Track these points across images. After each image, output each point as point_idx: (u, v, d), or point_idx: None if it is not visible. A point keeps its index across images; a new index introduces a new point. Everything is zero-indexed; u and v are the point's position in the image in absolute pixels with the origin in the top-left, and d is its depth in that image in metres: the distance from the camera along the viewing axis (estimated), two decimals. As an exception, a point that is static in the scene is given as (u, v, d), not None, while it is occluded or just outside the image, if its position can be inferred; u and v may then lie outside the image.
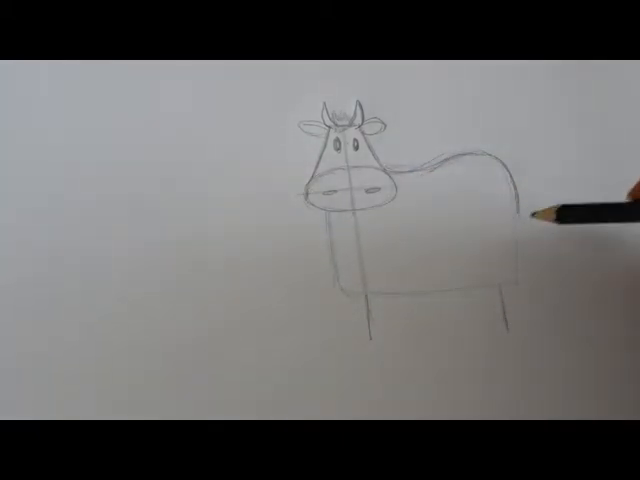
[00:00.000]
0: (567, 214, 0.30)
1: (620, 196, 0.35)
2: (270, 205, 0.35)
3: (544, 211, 0.31)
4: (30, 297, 0.34)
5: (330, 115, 0.35)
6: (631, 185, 0.34)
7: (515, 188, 0.35)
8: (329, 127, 0.35)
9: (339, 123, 0.35)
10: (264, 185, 0.35)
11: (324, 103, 0.35)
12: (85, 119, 0.35)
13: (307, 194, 0.35)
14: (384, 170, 0.35)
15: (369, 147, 0.35)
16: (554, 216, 0.30)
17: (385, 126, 0.35)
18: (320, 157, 0.35)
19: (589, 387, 0.33)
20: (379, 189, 0.35)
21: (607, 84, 0.36)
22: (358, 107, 0.35)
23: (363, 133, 0.35)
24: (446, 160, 0.35)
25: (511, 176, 0.35)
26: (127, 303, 0.34)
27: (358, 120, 0.35)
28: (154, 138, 0.35)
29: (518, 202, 0.35)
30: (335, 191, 0.35)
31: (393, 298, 0.34)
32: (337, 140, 0.35)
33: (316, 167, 0.35)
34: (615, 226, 0.35)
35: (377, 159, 0.35)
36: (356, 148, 0.35)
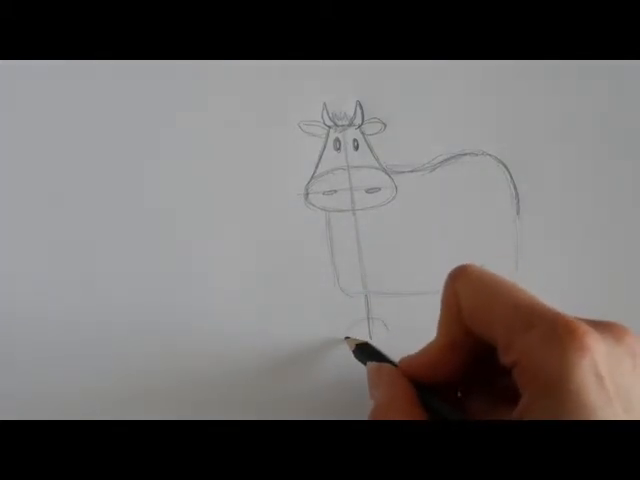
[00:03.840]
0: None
1: (619, 196, 0.35)
2: (270, 205, 0.35)
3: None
4: (29, 295, 0.34)
5: (330, 115, 0.35)
6: (630, 185, 0.34)
7: (515, 188, 0.35)
8: (329, 127, 0.35)
9: (339, 123, 0.35)
10: (264, 185, 0.35)
11: (324, 103, 0.35)
12: (85, 119, 0.35)
13: (307, 194, 0.35)
14: (384, 170, 0.35)
15: (369, 147, 0.35)
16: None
17: (385, 126, 0.35)
18: (320, 157, 0.35)
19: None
20: (379, 189, 0.35)
21: (607, 84, 0.36)
22: (358, 107, 0.35)
23: (363, 133, 0.35)
24: (446, 160, 0.35)
25: (511, 176, 0.35)
26: (127, 297, 0.34)
27: (358, 120, 0.35)
28: (153, 138, 0.35)
29: (518, 202, 0.35)
30: (335, 191, 0.35)
31: (393, 298, 0.34)
32: (337, 140, 0.35)
33: (316, 167, 0.35)
34: (613, 227, 0.35)
35: (377, 159, 0.35)
36: (356, 148, 0.35)
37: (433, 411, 0.25)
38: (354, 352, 0.32)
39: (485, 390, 0.26)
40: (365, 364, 0.30)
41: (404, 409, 0.25)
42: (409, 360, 0.27)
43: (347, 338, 0.33)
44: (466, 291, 0.25)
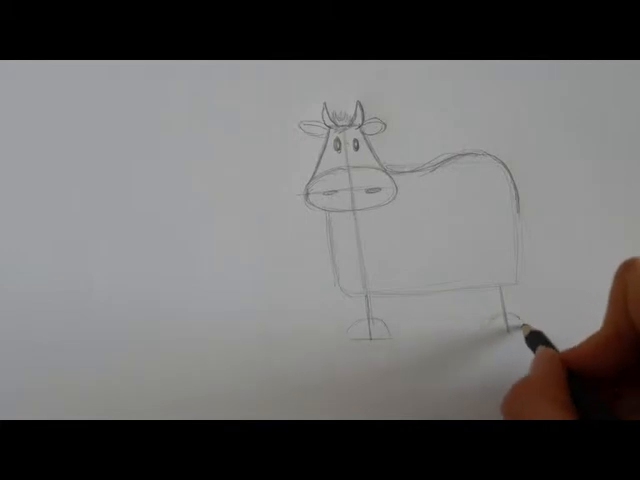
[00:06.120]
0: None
1: (617, 193, 0.35)
2: (270, 205, 0.35)
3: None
4: (29, 294, 0.34)
5: (330, 115, 0.35)
6: (630, 184, 0.34)
7: (515, 188, 0.35)
8: (329, 127, 0.35)
9: (339, 123, 0.35)
10: (264, 185, 0.35)
11: (324, 103, 0.35)
12: (85, 119, 0.35)
13: (307, 194, 0.35)
14: (384, 170, 0.35)
15: (369, 147, 0.35)
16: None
17: (385, 126, 0.35)
18: (320, 157, 0.35)
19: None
20: (379, 189, 0.35)
21: (607, 84, 0.36)
22: (358, 107, 0.35)
23: (363, 133, 0.35)
24: (446, 160, 0.35)
25: (511, 176, 0.35)
26: (126, 298, 0.34)
27: (358, 120, 0.35)
28: (153, 139, 0.35)
29: (518, 202, 0.35)
30: (335, 191, 0.35)
31: (393, 298, 0.34)
32: (337, 140, 0.35)
33: (316, 167, 0.35)
34: (613, 227, 0.35)
35: (377, 159, 0.35)
36: (356, 148, 0.35)
37: (581, 405, 0.25)
38: (526, 338, 0.32)
39: (638, 390, 0.26)
40: (534, 351, 0.30)
41: (548, 390, 0.25)
42: (572, 349, 0.28)
43: (524, 325, 0.34)
44: (635, 284, 0.25)
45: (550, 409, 0.24)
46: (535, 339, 0.32)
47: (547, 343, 0.31)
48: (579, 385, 0.26)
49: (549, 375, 0.26)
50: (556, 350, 0.30)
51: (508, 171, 0.35)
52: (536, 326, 0.33)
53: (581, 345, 0.27)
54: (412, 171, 0.35)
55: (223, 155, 0.35)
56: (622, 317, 0.25)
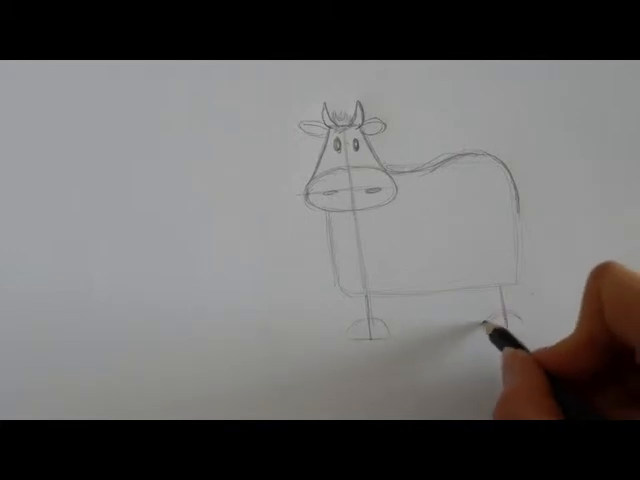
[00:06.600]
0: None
1: (617, 193, 0.35)
2: (270, 205, 0.35)
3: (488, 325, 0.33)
4: (31, 295, 0.34)
5: (330, 115, 0.35)
6: (630, 184, 0.34)
7: (515, 188, 0.35)
8: (329, 127, 0.35)
9: (339, 123, 0.35)
10: (264, 185, 0.35)
11: (324, 103, 0.35)
12: (86, 119, 0.35)
13: (307, 194, 0.35)
14: (384, 170, 0.35)
15: (369, 147, 0.35)
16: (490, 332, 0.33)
17: (385, 126, 0.35)
18: (320, 157, 0.35)
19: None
20: (379, 189, 0.35)
21: (607, 84, 0.36)
22: (358, 107, 0.35)
23: (363, 133, 0.35)
24: (446, 160, 0.35)
25: (511, 176, 0.35)
26: (127, 299, 0.34)
27: (358, 120, 0.35)
28: (153, 138, 0.35)
29: (518, 202, 0.35)
30: (335, 191, 0.35)
31: (393, 298, 0.34)
32: (337, 140, 0.35)
33: (316, 167, 0.35)
34: (613, 227, 0.35)
35: (377, 159, 0.35)
36: (356, 148, 0.35)
37: (562, 404, 0.25)
38: (490, 336, 0.32)
39: (615, 388, 0.26)
40: (501, 349, 0.30)
41: (535, 398, 0.25)
42: (545, 351, 0.27)
43: (485, 322, 0.33)
44: (609, 289, 0.25)
45: (538, 417, 0.24)
46: (500, 337, 0.31)
47: (514, 342, 0.30)
48: (560, 387, 0.26)
49: (533, 381, 0.26)
50: (525, 349, 0.29)
51: (508, 171, 0.35)
52: (536, 326, 0.33)
53: (554, 348, 0.27)
54: (412, 171, 0.35)
55: (223, 155, 0.35)
56: (596, 322, 0.25)
